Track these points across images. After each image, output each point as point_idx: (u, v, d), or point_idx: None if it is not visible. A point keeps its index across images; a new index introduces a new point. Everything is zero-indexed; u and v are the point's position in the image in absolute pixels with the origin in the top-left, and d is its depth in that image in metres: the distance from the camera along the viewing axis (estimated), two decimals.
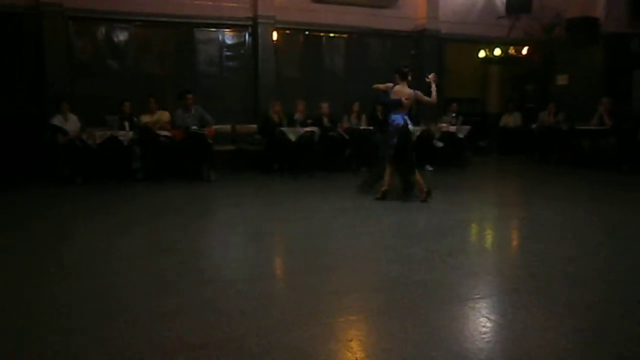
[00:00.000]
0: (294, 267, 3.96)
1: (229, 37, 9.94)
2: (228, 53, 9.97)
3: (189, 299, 3.13)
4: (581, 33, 10.90)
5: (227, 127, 9.36)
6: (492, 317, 2.89)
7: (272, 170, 8.94)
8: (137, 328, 2.69)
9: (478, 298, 3.24)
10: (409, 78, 6.53)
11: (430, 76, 6.62)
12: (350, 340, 2.62)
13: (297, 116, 9.01)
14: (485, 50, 12.33)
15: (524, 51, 12.32)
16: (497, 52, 12.21)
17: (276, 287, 3.56)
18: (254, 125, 9.57)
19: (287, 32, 10.28)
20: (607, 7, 10.73)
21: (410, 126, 6.51)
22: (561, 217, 5.69)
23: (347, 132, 9.29)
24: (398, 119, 6.40)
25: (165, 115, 8.45)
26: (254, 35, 9.88)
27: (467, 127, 9.98)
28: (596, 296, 3.25)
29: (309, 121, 9.08)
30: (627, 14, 10.78)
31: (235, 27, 9.91)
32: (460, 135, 9.82)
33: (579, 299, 3.17)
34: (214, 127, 8.46)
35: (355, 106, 9.68)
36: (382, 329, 2.77)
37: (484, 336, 2.64)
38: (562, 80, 11.79)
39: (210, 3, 9.55)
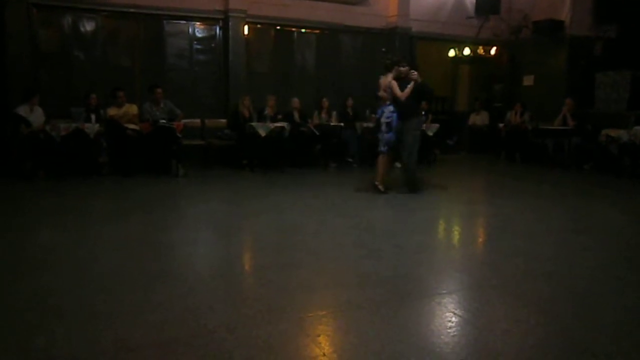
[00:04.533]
0: (263, 263, 3.95)
1: (199, 30, 9.82)
2: (198, 46, 9.85)
3: (157, 294, 3.10)
4: (547, 35, 11.16)
5: (197, 121, 9.26)
6: (458, 312, 2.95)
7: (241, 165, 8.89)
8: (104, 324, 2.65)
9: (445, 293, 3.29)
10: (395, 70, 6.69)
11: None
12: (319, 336, 2.64)
13: (267, 111, 8.98)
14: (454, 50, 12.53)
15: (492, 51, 12.57)
16: (467, 51, 12.42)
17: (245, 282, 3.55)
18: (224, 120, 9.50)
19: (259, 26, 10.21)
20: (572, 11, 11.00)
21: (382, 119, 6.68)
22: (526, 214, 5.83)
23: (317, 128, 9.31)
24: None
25: (133, 109, 8.30)
26: (224, 29, 9.79)
27: (436, 125, 10.11)
28: (560, 291, 3.34)
29: (279, 116, 9.07)
30: (590, 18, 11.08)
31: (206, 20, 9.80)
32: (430, 133, 9.94)
33: (543, 294, 3.26)
34: (183, 121, 8.36)
35: (324, 102, 9.70)
36: (350, 324, 2.79)
37: (449, 331, 2.69)
38: (528, 80, 12.05)
39: None
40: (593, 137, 9.43)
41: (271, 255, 4.08)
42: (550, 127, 10.08)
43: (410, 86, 6.50)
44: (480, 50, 12.55)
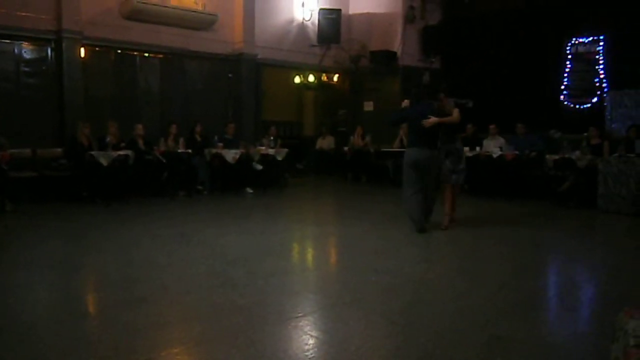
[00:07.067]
0: (108, 302, 3.64)
1: (27, 50, 8.95)
2: (27, 69, 8.96)
3: None
4: (382, 64, 12.13)
5: (27, 150, 8.38)
6: (314, 334, 2.99)
7: (81, 197, 8.20)
8: None
9: (300, 316, 3.32)
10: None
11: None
12: None
13: (109, 139, 8.42)
14: (299, 76, 13.01)
15: (335, 78, 13.30)
16: (311, 78, 12.96)
17: (88, 325, 3.24)
18: (60, 149, 8.72)
19: (97, 48, 9.62)
20: (403, 43, 12.11)
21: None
22: (373, 232, 6.16)
23: (164, 155, 8.94)
24: None
25: None
26: (57, 50, 9.04)
27: (285, 150, 10.32)
28: (407, 302, 3.57)
29: (122, 144, 8.56)
30: (418, 51, 12.30)
31: (36, 40, 8.96)
32: (279, 158, 10.12)
33: (392, 306, 3.45)
34: (9, 151, 7.51)
35: (173, 128, 9.38)
36: (205, 358, 2.68)
37: (307, 353, 2.72)
38: (368, 106, 12.91)
39: (3, 10, 8.51)
40: None
41: (117, 292, 3.78)
42: (390, 149, 10.87)
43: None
44: (324, 77, 13.20)
